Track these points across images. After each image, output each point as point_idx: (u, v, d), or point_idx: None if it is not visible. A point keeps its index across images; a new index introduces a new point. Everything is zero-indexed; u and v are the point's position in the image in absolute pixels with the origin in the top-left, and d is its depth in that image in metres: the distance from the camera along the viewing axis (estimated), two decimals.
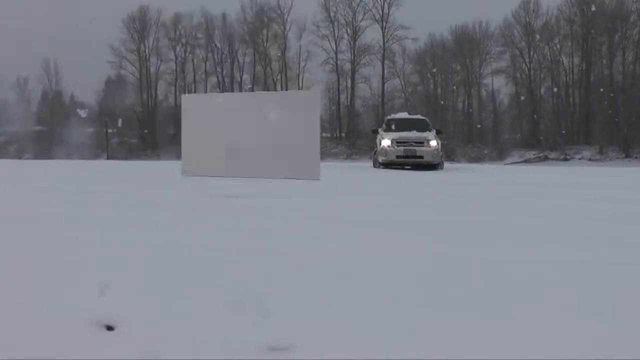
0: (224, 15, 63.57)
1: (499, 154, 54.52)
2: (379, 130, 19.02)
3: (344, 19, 62.36)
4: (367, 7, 61.85)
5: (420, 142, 17.30)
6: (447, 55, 62.33)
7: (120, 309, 2.63)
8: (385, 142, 17.48)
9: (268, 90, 62.99)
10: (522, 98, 59.10)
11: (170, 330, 2.44)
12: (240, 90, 64.72)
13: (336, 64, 62.27)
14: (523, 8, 59.60)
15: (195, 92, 66.60)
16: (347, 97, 63.60)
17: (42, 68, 67.19)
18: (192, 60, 65.66)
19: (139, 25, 64.75)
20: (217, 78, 64.87)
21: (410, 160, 17.27)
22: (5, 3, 74.19)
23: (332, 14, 62.04)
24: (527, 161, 51.16)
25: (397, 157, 17.25)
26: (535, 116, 58.96)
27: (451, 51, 62.25)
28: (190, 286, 3.00)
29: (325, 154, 58.37)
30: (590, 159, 50.54)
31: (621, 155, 51.38)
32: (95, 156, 55.08)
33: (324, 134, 68.57)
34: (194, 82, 66.14)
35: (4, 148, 60.81)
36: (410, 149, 17.17)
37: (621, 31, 56.13)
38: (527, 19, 59.77)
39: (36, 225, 4.89)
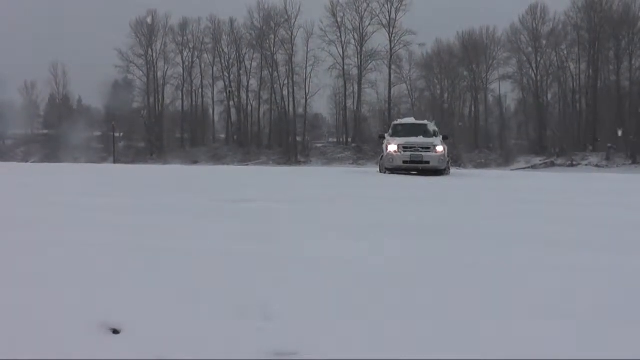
0: (231, 20, 63.79)
1: (506, 160, 54.34)
2: (386, 135, 18.87)
3: (351, 25, 62.43)
4: (374, 13, 61.90)
5: (427, 148, 17.14)
6: (454, 60, 62.23)
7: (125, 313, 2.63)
8: (392, 148, 17.35)
9: (274, 95, 63.14)
10: (529, 103, 58.94)
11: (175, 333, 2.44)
12: (247, 95, 64.90)
13: (343, 69, 62.25)
14: (530, 14, 59.53)
15: (202, 96, 66.89)
16: (353, 102, 63.51)
17: (50, 72, 67.70)
18: (200, 65, 65.88)
19: (147, 30, 64.99)
20: (224, 83, 64.98)
21: (416, 166, 17.13)
22: (14, 8, 74.86)
23: (339, 20, 62.12)
24: (534, 167, 50.95)
25: (404, 162, 17.10)
26: (542, 122, 58.76)
27: (458, 57, 62.14)
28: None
29: (331, 159, 58.26)
30: (597, 165, 50.25)
31: (628, 162, 51.10)
32: (102, 160, 55.30)
33: (330, 139, 68.60)
34: (201, 86, 66.40)
35: (12, 151, 61.14)
36: (416, 155, 17.02)
37: (628, 37, 55.93)
38: (534, 25, 59.63)
39: None
